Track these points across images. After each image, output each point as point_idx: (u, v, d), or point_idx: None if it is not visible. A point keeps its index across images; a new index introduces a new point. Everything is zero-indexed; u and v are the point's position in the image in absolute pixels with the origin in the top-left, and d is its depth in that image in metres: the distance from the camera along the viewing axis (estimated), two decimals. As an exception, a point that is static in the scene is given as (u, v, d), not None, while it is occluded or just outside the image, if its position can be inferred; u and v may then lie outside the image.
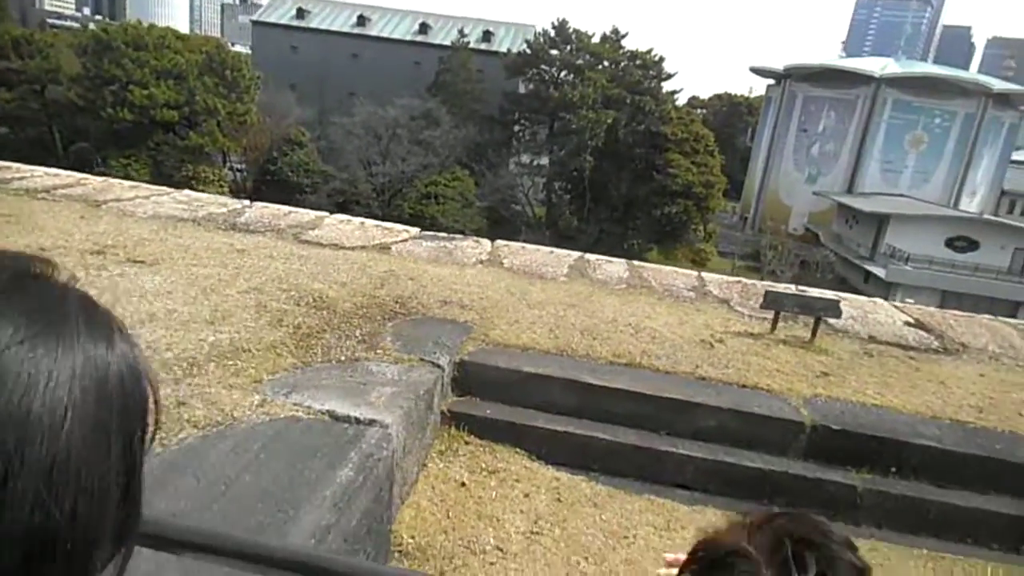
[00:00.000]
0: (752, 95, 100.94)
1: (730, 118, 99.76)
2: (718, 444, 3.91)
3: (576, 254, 7.03)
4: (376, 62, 59.44)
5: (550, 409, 4.04)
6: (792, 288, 6.13)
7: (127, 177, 39.62)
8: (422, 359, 3.91)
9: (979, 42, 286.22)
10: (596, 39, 48.65)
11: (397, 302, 4.74)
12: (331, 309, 4.39)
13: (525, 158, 49.83)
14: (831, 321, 5.76)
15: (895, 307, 6.60)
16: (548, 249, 7.15)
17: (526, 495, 3.53)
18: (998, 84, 63.55)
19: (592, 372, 4.15)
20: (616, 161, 44.76)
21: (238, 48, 74.81)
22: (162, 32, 43.94)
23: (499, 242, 7.17)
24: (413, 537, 3.09)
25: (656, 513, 3.54)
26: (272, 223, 6.70)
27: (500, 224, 44.23)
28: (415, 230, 7.37)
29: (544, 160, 48.25)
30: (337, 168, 44.42)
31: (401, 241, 6.75)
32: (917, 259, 49.36)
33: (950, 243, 51.15)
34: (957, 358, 5.24)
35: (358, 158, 42.75)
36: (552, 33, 49.93)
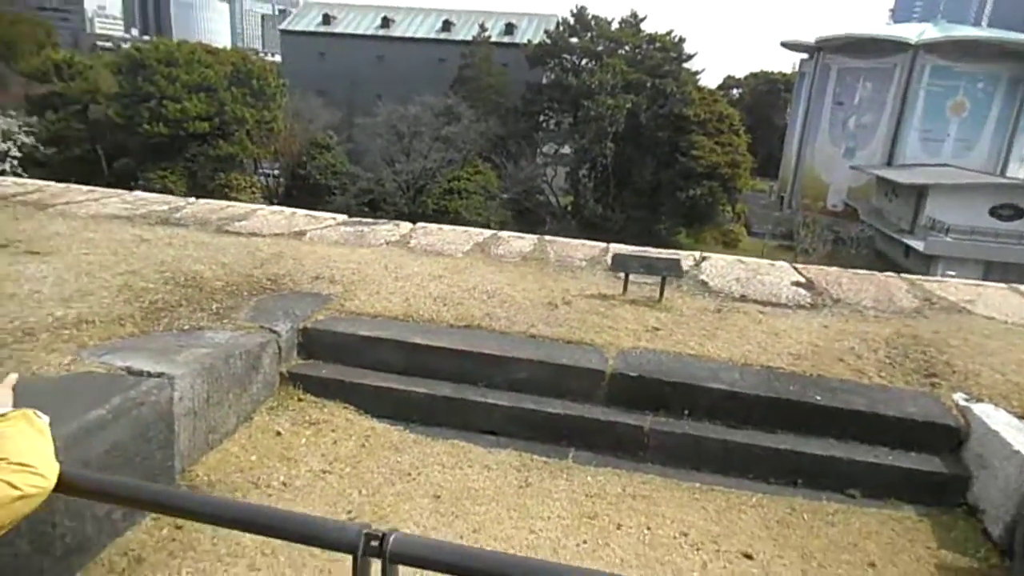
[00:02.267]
0: (792, 72, 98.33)
1: (767, 96, 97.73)
2: (528, 394, 4.23)
3: (489, 232, 7.36)
4: (401, 62, 60.45)
5: (380, 368, 4.42)
6: (656, 252, 6.32)
7: (165, 189, 41.41)
8: (262, 327, 4.34)
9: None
10: (616, 25, 48.47)
11: (270, 279, 5.18)
12: (199, 287, 4.86)
13: (549, 148, 50.04)
14: (706, 281, 6.00)
15: (795, 268, 6.73)
16: (463, 229, 7.49)
17: (335, 442, 3.92)
18: (1045, 43, 60.49)
19: (424, 334, 4.51)
20: (639, 146, 44.53)
21: (277, 58, 77.06)
22: (192, 48, 45.72)
23: (418, 225, 7.56)
24: (208, 475, 3.52)
25: (451, 455, 3.89)
26: (204, 217, 7.24)
27: (525, 215, 44.62)
28: (343, 217, 7.83)
29: (567, 149, 48.39)
30: (363, 168, 45.53)
31: (322, 228, 7.20)
32: (958, 230, 47.68)
33: (994, 212, 49.23)
34: (816, 312, 5.40)
35: (382, 157, 43.68)
36: (572, 21, 49.96)
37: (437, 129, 43.13)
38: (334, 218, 7.74)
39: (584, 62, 47.07)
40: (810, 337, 4.78)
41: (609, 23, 48.12)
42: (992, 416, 3.77)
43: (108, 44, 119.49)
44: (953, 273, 38.22)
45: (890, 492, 3.69)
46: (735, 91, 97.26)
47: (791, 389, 4.05)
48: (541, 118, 49.79)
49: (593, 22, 48.09)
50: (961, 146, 60.27)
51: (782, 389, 4.05)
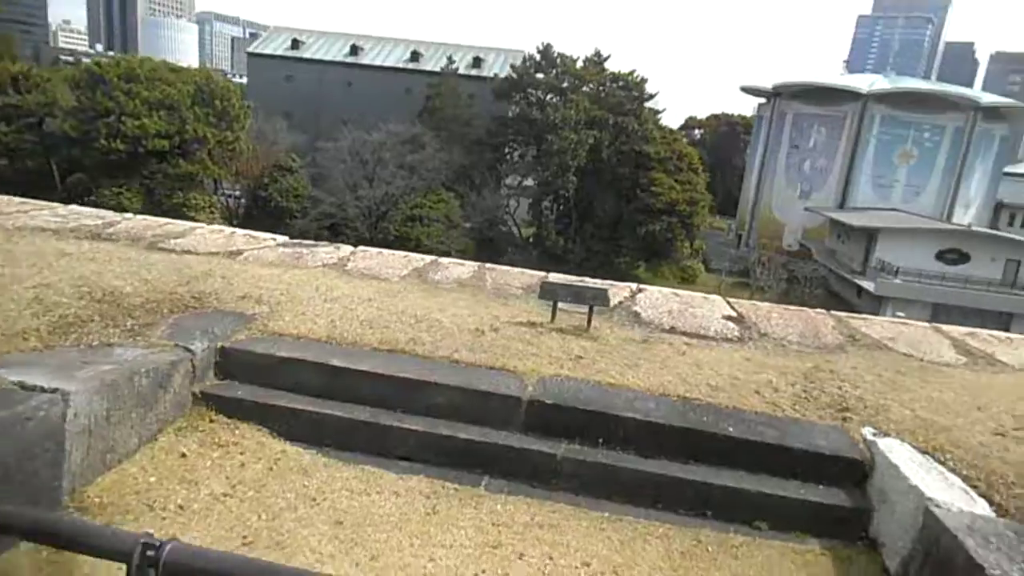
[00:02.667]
0: (752, 115, 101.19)
1: (728, 137, 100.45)
2: (445, 419, 4.18)
3: (430, 258, 7.35)
4: (369, 90, 60.68)
5: (298, 390, 4.34)
6: (585, 281, 6.39)
7: (119, 207, 40.52)
8: (177, 345, 4.24)
9: (983, 58, 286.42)
10: (580, 63, 49.54)
11: (195, 297, 5.08)
12: (116, 303, 4.73)
13: (513, 180, 50.53)
14: (639, 312, 6.06)
15: (728, 303, 6.85)
16: (403, 254, 7.47)
17: (242, 465, 3.82)
18: (987, 97, 63.81)
19: (343, 356, 4.45)
20: (601, 181, 45.24)
21: (245, 79, 76.61)
22: (154, 65, 45.23)
23: (359, 248, 7.51)
24: (101, 496, 3.39)
25: (361, 480, 3.82)
26: (138, 233, 7.09)
27: (487, 245, 44.77)
28: (284, 238, 7.75)
29: (531, 181, 48.93)
30: (326, 192, 45.27)
31: (260, 248, 7.11)
32: (907, 272, 49.31)
33: (941, 256, 51.08)
34: (741, 345, 5.49)
35: (345, 183, 43.54)
36: (538, 57, 50.90)
37: (401, 157, 43.23)
38: (275, 239, 7.65)
39: (549, 97, 47.92)
40: (731, 369, 4.84)
41: (574, 61, 49.17)
42: (895, 451, 3.85)
43: (71, 59, 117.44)
44: (902, 314, 39.42)
45: (796, 525, 3.73)
46: (696, 131, 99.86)
47: (705, 420, 4.09)
48: (506, 150, 50.35)
49: (559, 59, 49.09)
50: (911, 191, 62.73)
51: (696, 420, 4.08)
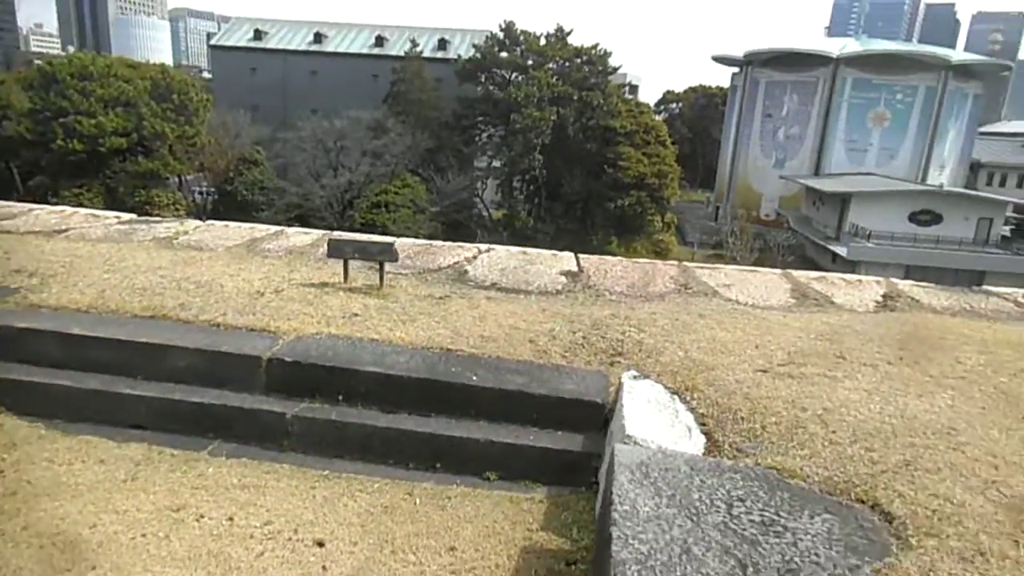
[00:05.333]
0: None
1: (706, 109, 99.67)
2: (187, 384, 3.96)
3: (275, 229, 7.11)
4: (335, 78, 59.90)
5: (35, 361, 4.11)
6: (372, 238, 6.10)
7: (80, 207, 39.98)
8: (-100, 319, 4.00)
9: (964, 18, 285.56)
10: (543, 39, 48.91)
11: (-38, 274, 4.83)
12: None
13: (482, 161, 50.07)
14: (467, 271, 5.84)
15: (576, 259, 6.62)
16: (249, 226, 7.20)
17: (-52, 440, 3.59)
18: (957, 56, 63.42)
19: (89, 324, 4.21)
20: (568, 158, 44.85)
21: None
22: (108, 61, 44.45)
23: (207, 223, 7.25)
24: None
25: (73, 450, 3.60)
26: (-32, 218, 6.81)
27: (456, 228, 44.40)
28: (130, 216, 7.48)
29: (500, 162, 48.47)
30: (292, 183, 44.74)
31: (92, 227, 6.83)
32: (879, 235, 49.15)
33: (914, 217, 50.91)
34: (553, 297, 5.27)
35: (309, 172, 43.04)
36: (501, 36, 50.25)
37: (365, 143, 42.70)
38: (119, 217, 7.38)
39: (513, 76, 47.35)
40: (516, 320, 4.63)
41: (537, 38, 48.56)
42: (638, 392, 3.65)
43: (40, 62, 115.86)
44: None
45: (527, 474, 3.53)
46: (675, 105, 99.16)
47: (453, 371, 3.87)
48: (473, 132, 49.83)
49: (521, 36, 48.46)
50: (884, 155, 62.38)
51: (443, 371, 3.87)
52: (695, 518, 2.40)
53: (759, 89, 66.44)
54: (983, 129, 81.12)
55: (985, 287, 6.84)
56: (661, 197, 45.89)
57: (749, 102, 67.56)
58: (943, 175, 63.72)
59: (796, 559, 2.21)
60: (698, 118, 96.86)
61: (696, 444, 3.21)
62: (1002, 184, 77.58)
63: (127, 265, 5.27)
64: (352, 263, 5.31)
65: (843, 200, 52.70)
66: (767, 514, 2.46)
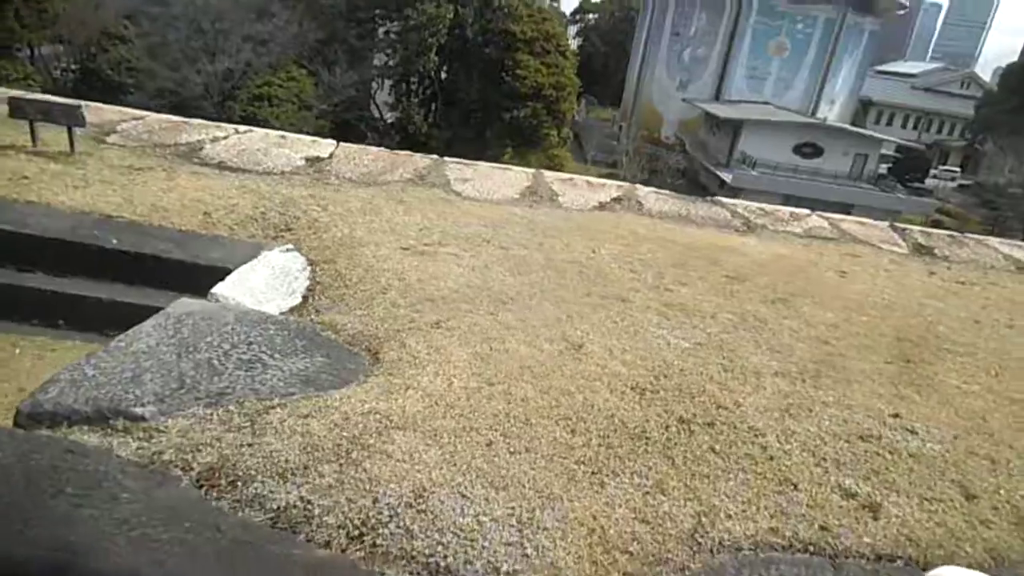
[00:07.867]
0: None
1: (623, 23, 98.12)
2: None
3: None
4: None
5: None
6: (59, 100, 5.94)
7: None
8: None
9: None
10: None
11: None
12: None
13: (380, 59, 47.97)
14: (202, 150, 5.76)
15: (332, 147, 6.63)
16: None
17: None
18: (856, -13, 64.93)
19: None
20: (466, 63, 43.73)
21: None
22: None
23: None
24: None
25: None
26: None
27: (346, 128, 42.81)
28: None
29: (394, 62, 46.55)
30: (165, 66, 41.44)
31: None
32: (764, 164, 51.26)
33: (798, 149, 53.28)
34: (271, 177, 5.33)
35: (184, 55, 39.93)
36: (403, -77, 47.15)
37: (247, 27, 39.82)
38: None
39: (414, -32, 44.85)
40: (203, 194, 4.68)
41: (442, -72, 45.90)
42: (266, 260, 3.84)
43: None
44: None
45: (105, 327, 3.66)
46: (591, 16, 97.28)
47: (95, 235, 3.92)
48: (369, 25, 47.31)
49: (425, -75, 45.67)
50: (781, 85, 64.21)
51: (85, 235, 3.91)
52: (185, 353, 2.62)
53: (670, 4, 66.14)
54: (878, 68, 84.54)
55: (719, 198, 7.42)
56: (558, 110, 45.61)
57: (659, 18, 67.31)
58: (833, 110, 66.49)
59: (241, 386, 2.47)
60: (614, 31, 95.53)
61: (288, 304, 3.44)
62: (889, 123, 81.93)
63: None
64: (67, 131, 5.11)
65: (736, 127, 54.33)
66: (261, 354, 2.72)
